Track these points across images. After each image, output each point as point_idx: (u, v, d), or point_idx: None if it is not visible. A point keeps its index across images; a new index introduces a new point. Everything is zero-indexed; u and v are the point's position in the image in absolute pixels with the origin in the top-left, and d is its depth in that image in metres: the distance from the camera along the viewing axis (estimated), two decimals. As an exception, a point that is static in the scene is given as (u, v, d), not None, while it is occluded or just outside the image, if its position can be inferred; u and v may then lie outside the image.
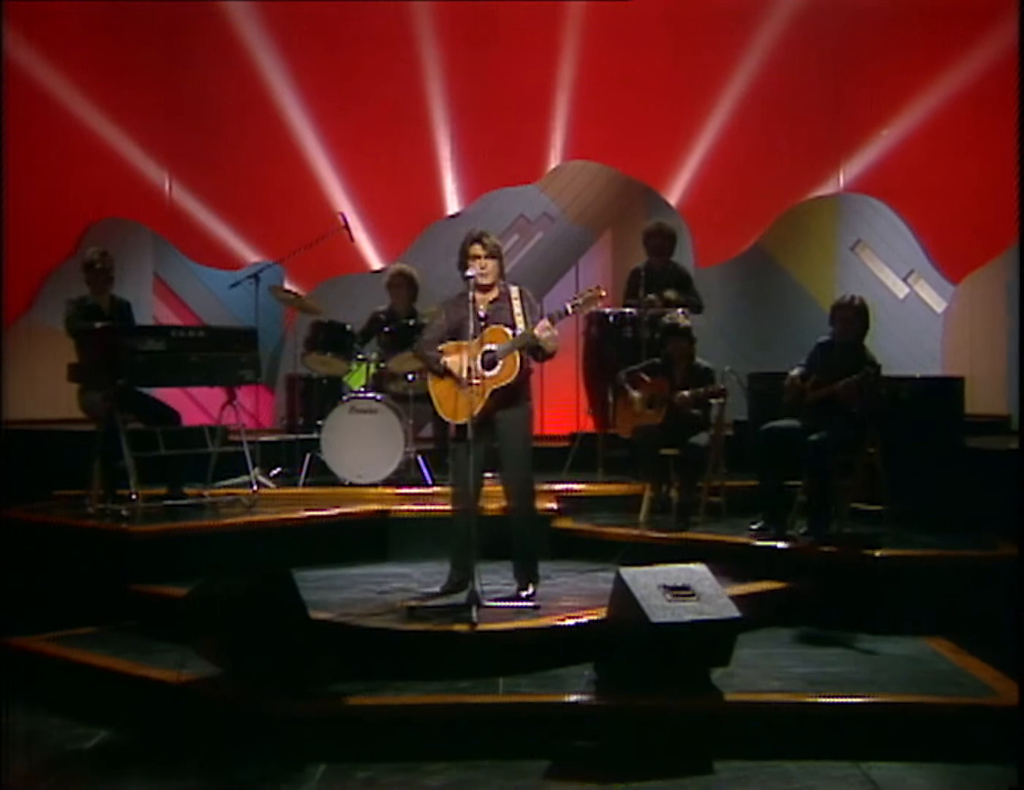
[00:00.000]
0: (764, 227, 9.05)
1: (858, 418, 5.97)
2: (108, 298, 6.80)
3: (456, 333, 5.37)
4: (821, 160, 8.91)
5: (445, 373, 5.34)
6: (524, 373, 5.33)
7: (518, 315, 5.35)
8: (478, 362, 5.27)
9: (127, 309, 6.88)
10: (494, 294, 5.44)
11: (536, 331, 5.20)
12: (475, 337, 5.26)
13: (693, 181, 9.08)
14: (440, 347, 5.39)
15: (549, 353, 5.33)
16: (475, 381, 5.21)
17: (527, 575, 5.51)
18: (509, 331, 5.29)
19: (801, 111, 8.83)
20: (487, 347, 5.29)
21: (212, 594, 4.78)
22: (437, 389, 5.42)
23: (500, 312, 5.39)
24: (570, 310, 5.27)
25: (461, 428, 5.25)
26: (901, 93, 8.63)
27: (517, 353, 5.26)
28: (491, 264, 5.37)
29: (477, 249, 5.36)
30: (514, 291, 5.44)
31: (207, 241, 9.17)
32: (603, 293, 5.32)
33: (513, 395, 5.33)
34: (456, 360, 5.29)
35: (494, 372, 5.27)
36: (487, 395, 5.25)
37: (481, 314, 5.37)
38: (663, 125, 8.98)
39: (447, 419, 5.39)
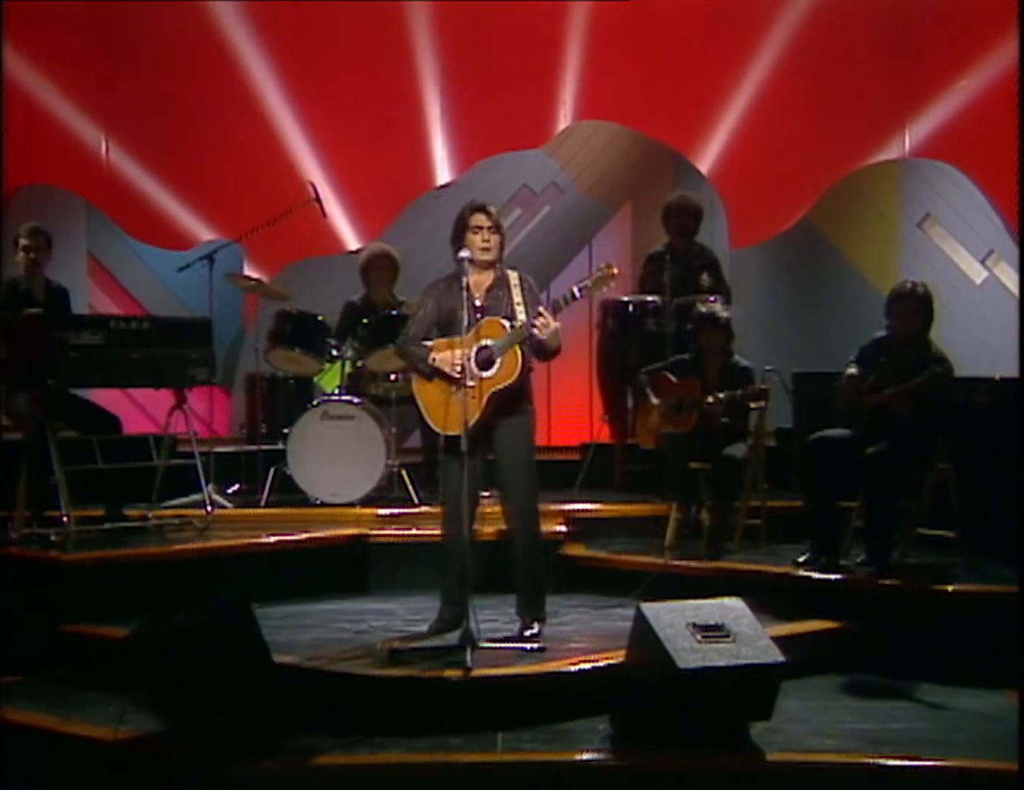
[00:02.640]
0: (812, 199, 9.06)
1: (925, 428, 5.96)
2: (42, 282, 6.80)
3: (446, 326, 5.37)
4: (883, 117, 8.90)
5: (434, 374, 5.34)
6: (526, 372, 5.34)
7: (518, 304, 5.35)
8: (472, 361, 5.27)
9: (64, 297, 6.87)
10: (490, 279, 5.44)
11: (535, 323, 5.20)
12: (469, 330, 5.26)
13: (728, 144, 9.09)
14: (428, 343, 5.39)
15: (551, 350, 5.34)
16: (470, 383, 5.21)
17: (532, 611, 5.50)
18: (507, 323, 5.30)
19: (860, 58, 8.80)
20: (482, 343, 5.29)
21: (157, 635, 4.77)
22: (424, 394, 5.42)
23: (498, 301, 5.39)
24: (577, 294, 5.23)
25: (453, 439, 5.24)
26: (983, 35, 8.55)
27: (518, 349, 5.27)
28: (495, 240, 5.38)
29: (481, 219, 5.36)
30: (513, 276, 5.44)
31: (151, 215, 9.19)
32: (615, 271, 5.29)
33: (514, 399, 5.33)
34: (447, 358, 5.29)
35: (491, 372, 5.27)
36: (484, 399, 5.25)
37: (477, 303, 5.38)
38: (693, 78, 9.00)
39: (437, 429, 5.38)
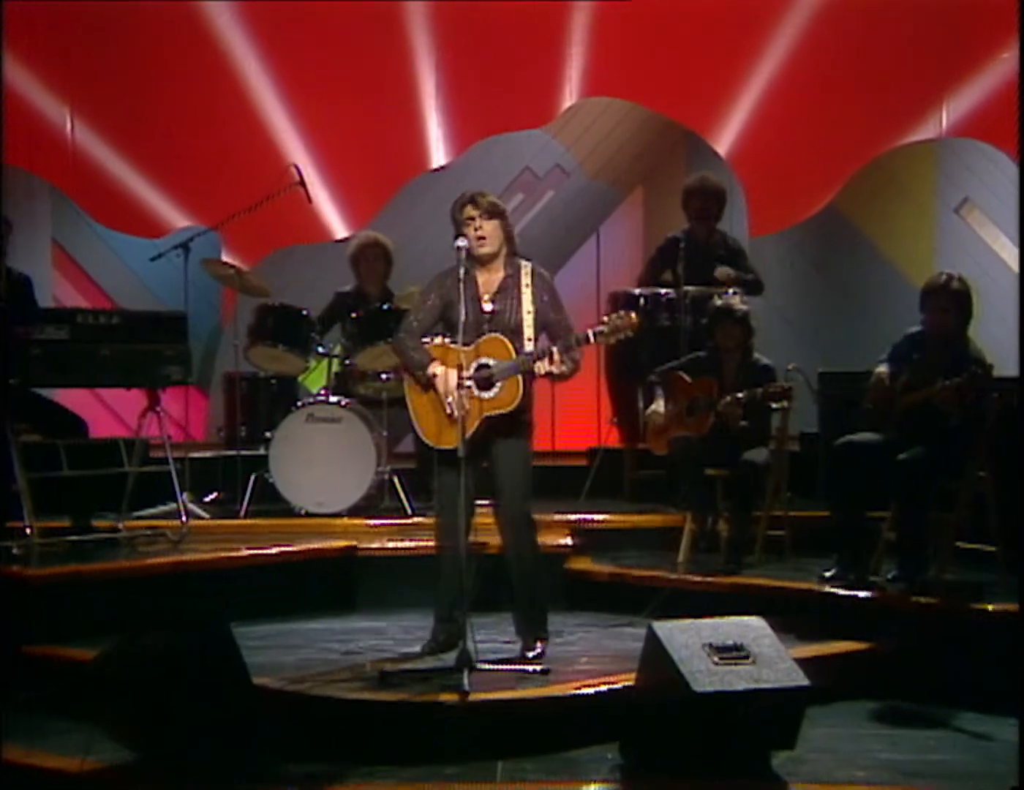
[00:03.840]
0: (840, 183, 9.05)
1: (962, 432, 5.95)
2: (2, 273, 6.79)
3: (451, 321, 5.36)
4: (918, 93, 8.87)
5: (430, 386, 5.34)
6: (527, 400, 5.35)
7: (527, 313, 5.34)
8: (470, 378, 5.24)
9: (26, 288, 6.85)
10: (499, 273, 5.42)
11: (537, 367, 5.23)
12: (469, 343, 5.25)
13: (748, 123, 9.08)
14: (428, 343, 5.38)
15: (564, 379, 5.36)
16: (463, 406, 5.20)
17: (533, 629, 5.51)
18: (511, 346, 5.29)
19: (894, 28, 8.74)
20: (483, 361, 5.29)
21: (128, 656, 4.77)
22: (417, 401, 5.42)
23: (507, 306, 5.36)
24: (592, 338, 5.29)
25: (447, 451, 5.26)
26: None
27: (519, 378, 5.28)
28: (490, 226, 5.34)
29: (469, 211, 5.35)
30: (525, 270, 5.41)
31: (121, 200, 9.18)
32: (635, 320, 5.33)
33: (512, 422, 5.35)
34: (443, 378, 5.27)
35: (490, 394, 5.27)
36: (479, 421, 5.26)
37: (486, 307, 5.36)
38: (709, 51, 8.98)
39: (427, 441, 5.39)
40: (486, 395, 5.27)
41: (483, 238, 5.33)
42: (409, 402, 5.47)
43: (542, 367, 5.25)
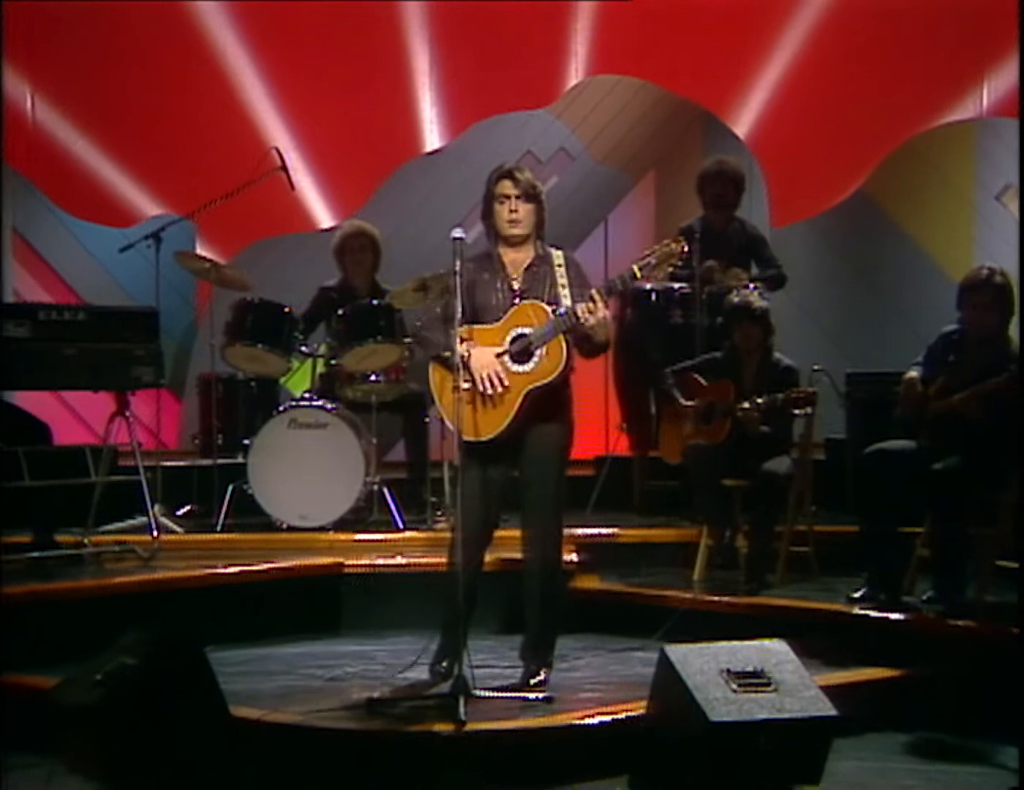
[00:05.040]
0: (870, 167, 9.06)
1: (1002, 439, 5.95)
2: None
3: (478, 311, 5.30)
4: (955, 69, 8.87)
5: (462, 366, 5.12)
6: (570, 368, 5.28)
7: (562, 287, 5.28)
8: (505, 352, 5.19)
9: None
10: (528, 256, 5.40)
11: (579, 311, 5.10)
12: (498, 318, 5.22)
13: (770, 103, 9.09)
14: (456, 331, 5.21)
15: (599, 345, 5.28)
16: (500, 383, 5.13)
17: (540, 656, 5.49)
18: (549, 309, 5.23)
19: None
20: (518, 331, 5.22)
21: (93, 684, 4.77)
22: (446, 393, 5.21)
23: (539, 282, 5.33)
24: (639, 273, 5.18)
25: (478, 446, 5.16)
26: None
27: (562, 339, 5.21)
28: (526, 210, 5.32)
29: (506, 186, 5.32)
30: (556, 255, 5.40)
31: (87, 186, 9.19)
32: (684, 247, 5.23)
33: (554, 401, 5.27)
34: (478, 354, 5.15)
35: (529, 366, 5.19)
36: (519, 400, 5.18)
37: (515, 285, 5.34)
38: (727, 24, 8.99)
39: (466, 437, 5.18)
40: (525, 368, 5.18)
41: (517, 220, 5.32)
42: (437, 391, 5.32)
43: (588, 312, 5.08)
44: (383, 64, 9.23)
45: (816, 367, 6.93)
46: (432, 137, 9.39)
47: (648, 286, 7.77)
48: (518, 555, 5.54)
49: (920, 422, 6.13)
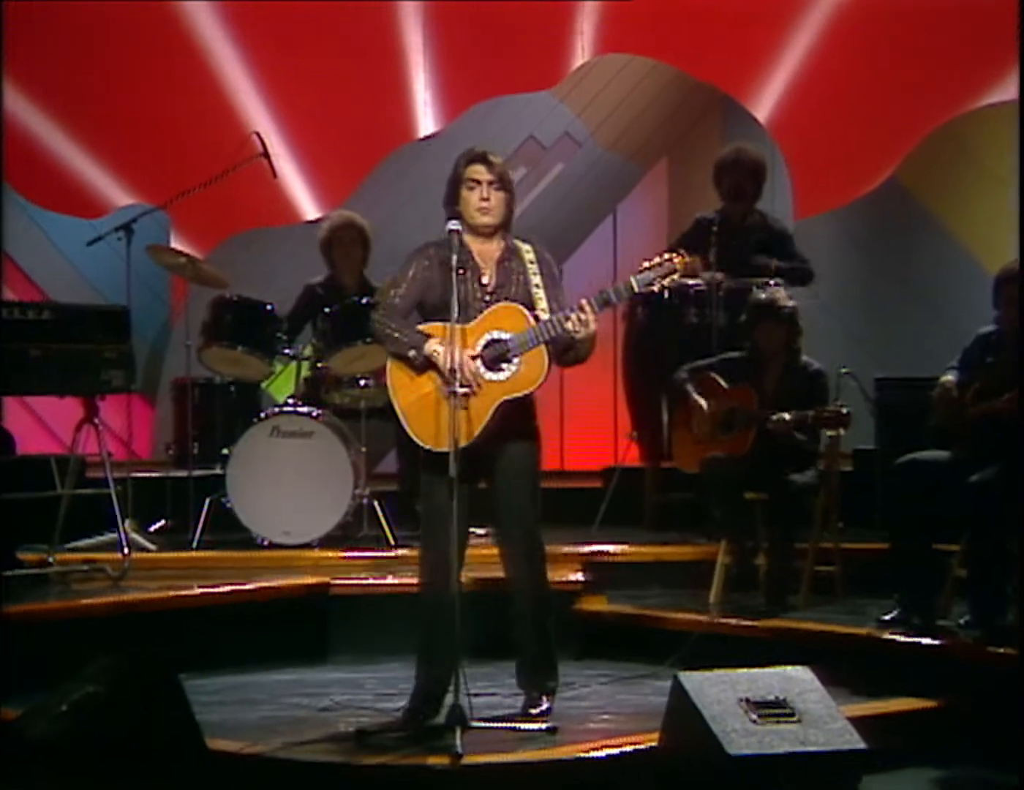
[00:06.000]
0: (902, 154, 9.05)
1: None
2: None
3: (438, 307, 5.30)
4: (997, 44, 8.82)
5: (426, 366, 5.20)
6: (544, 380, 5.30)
7: (536, 287, 5.32)
8: (477, 357, 5.20)
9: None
10: (498, 249, 5.40)
11: (570, 324, 5.12)
12: (471, 316, 5.22)
13: (793, 84, 9.08)
14: (422, 327, 5.29)
15: (581, 357, 5.31)
16: (471, 387, 5.16)
17: (541, 682, 5.48)
18: (528, 313, 5.26)
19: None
20: (494, 335, 5.23)
21: (58, 715, 4.76)
22: (407, 393, 5.28)
23: (511, 280, 5.34)
24: (635, 288, 5.24)
25: (442, 457, 5.19)
26: None
27: (544, 349, 5.22)
28: (498, 198, 5.33)
29: (479, 171, 5.32)
30: (526, 249, 5.41)
31: (52, 173, 9.18)
32: (688, 260, 5.29)
33: (524, 412, 5.31)
34: (446, 352, 5.17)
35: (503, 375, 5.21)
36: (491, 410, 5.22)
37: (484, 280, 5.35)
38: None
39: (423, 444, 5.30)
40: (499, 376, 5.19)
41: (488, 208, 5.32)
42: (395, 397, 5.31)
43: (580, 322, 5.11)
44: (373, 41, 9.21)
45: (844, 371, 6.93)
46: (426, 121, 9.39)
47: (661, 282, 7.77)
48: (491, 574, 5.57)
49: (956, 430, 6.14)
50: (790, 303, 6.78)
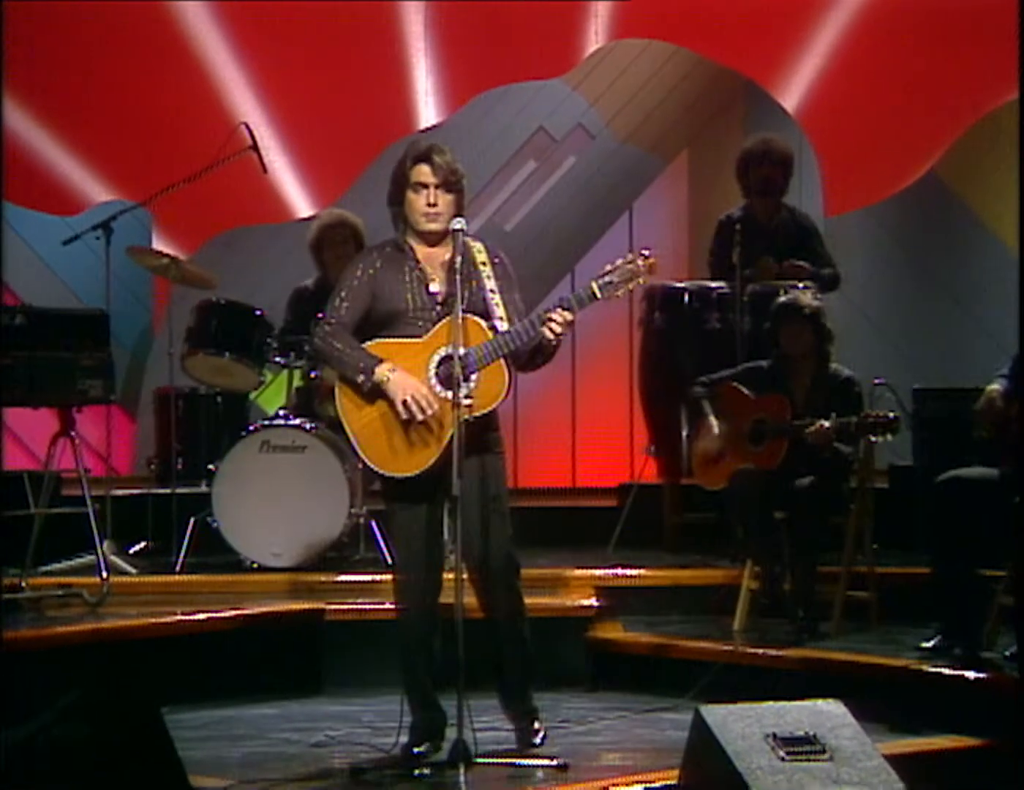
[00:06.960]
0: (942, 147, 9.06)
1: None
2: None
3: (385, 317, 5.31)
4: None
5: (376, 395, 5.20)
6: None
7: (492, 292, 5.30)
8: (431, 374, 5.21)
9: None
10: (447, 251, 5.35)
11: (544, 336, 5.17)
12: (412, 324, 5.25)
13: (824, 72, 9.09)
14: (369, 343, 5.28)
15: (542, 362, 5.36)
16: (432, 407, 5.15)
17: (527, 704, 5.52)
18: (484, 325, 5.25)
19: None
20: (449, 351, 5.17)
21: (32, 749, 4.77)
22: (357, 419, 5.27)
23: (461, 288, 5.23)
24: (598, 293, 5.24)
25: (404, 483, 5.23)
26: None
27: (503, 363, 5.22)
28: (445, 202, 5.30)
29: (423, 172, 5.28)
30: (478, 249, 5.38)
31: (25, 168, 9.18)
32: (651, 262, 5.30)
33: (488, 428, 5.34)
34: (400, 377, 5.16)
35: (461, 394, 5.15)
36: (450, 433, 5.13)
37: (433, 288, 5.34)
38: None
39: (378, 469, 5.28)
40: (458, 396, 5.13)
41: (435, 213, 5.30)
42: (345, 418, 5.32)
43: (553, 332, 5.16)
44: (370, 26, 9.23)
45: (877, 380, 6.92)
46: (428, 111, 9.40)
47: (679, 285, 7.77)
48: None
49: (1002, 445, 6.13)
50: (814, 303, 6.77)
